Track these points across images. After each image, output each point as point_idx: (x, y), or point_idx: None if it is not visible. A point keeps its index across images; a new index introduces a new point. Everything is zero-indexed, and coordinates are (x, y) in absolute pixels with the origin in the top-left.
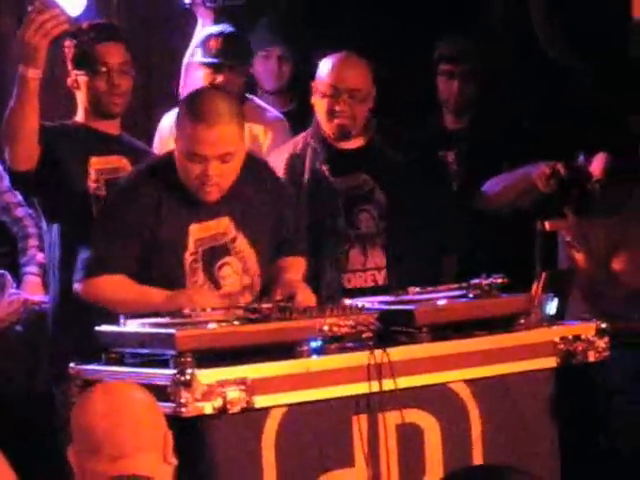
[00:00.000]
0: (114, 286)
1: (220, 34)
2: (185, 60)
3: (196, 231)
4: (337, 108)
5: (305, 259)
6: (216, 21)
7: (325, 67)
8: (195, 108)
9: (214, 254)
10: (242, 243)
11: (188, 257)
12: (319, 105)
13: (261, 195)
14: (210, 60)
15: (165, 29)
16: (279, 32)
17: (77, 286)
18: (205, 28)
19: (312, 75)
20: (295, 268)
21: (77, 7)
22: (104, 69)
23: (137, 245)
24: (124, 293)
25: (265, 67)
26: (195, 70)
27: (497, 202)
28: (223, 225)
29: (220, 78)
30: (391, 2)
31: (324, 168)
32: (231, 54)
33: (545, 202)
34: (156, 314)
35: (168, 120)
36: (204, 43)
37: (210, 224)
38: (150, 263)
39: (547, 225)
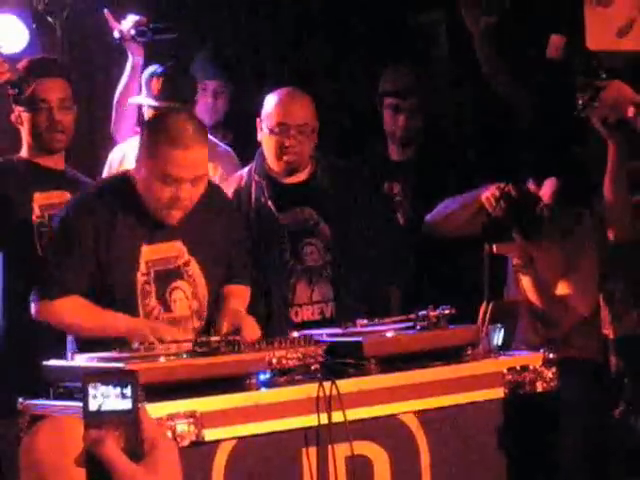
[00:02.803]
0: (71, 309)
1: (162, 74)
2: (116, 96)
3: (147, 252)
4: (287, 144)
5: (249, 289)
6: (147, 56)
7: (271, 103)
8: (169, 131)
9: (166, 277)
10: (194, 267)
11: (140, 277)
12: (267, 142)
13: (215, 219)
14: (153, 103)
15: (108, 64)
16: (216, 66)
17: (33, 307)
18: (149, 67)
19: (249, 111)
20: (239, 297)
21: (19, 43)
22: (45, 105)
23: (92, 265)
24: (83, 317)
25: (201, 101)
26: (127, 106)
27: (447, 226)
28: (176, 248)
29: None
30: (337, 30)
31: (269, 203)
32: (173, 95)
33: (493, 225)
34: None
35: (120, 151)
36: (147, 83)
37: (162, 247)
38: (103, 283)
39: (495, 248)
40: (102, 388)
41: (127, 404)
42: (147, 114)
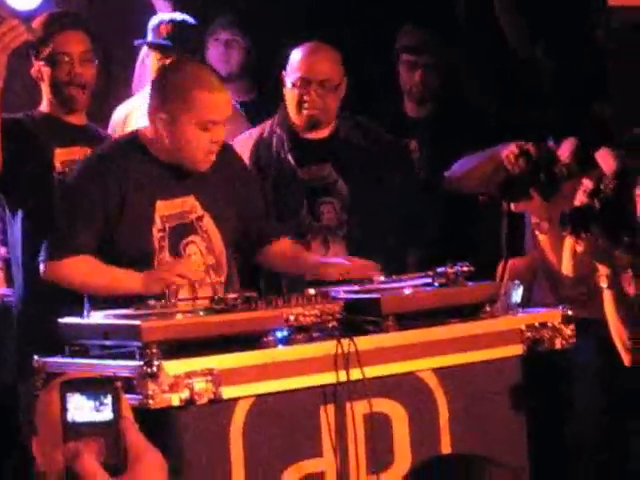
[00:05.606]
0: (80, 269)
1: (171, 20)
2: (141, 53)
3: (162, 208)
4: (306, 98)
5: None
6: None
7: (295, 58)
8: (199, 78)
9: (180, 232)
10: (208, 222)
11: (156, 233)
12: (289, 96)
13: (227, 177)
14: (159, 41)
15: (125, 22)
16: (229, 16)
17: (41, 267)
18: (156, 16)
19: (273, 65)
20: (295, 248)
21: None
22: (66, 59)
23: (101, 223)
24: (94, 277)
25: (214, 52)
26: (148, 60)
27: (467, 183)
28: (189, 204)
29: (169, 62)
30: None
31: (289, 158)
32: (180, 40)
33: (511, 183)
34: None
35: (122, 111)
36: (155, 28)
37: (176, 202)
38: (117, 239)
39: (513, 206)
40: (81, 398)
41: (107, 415)
42: (154, 59)
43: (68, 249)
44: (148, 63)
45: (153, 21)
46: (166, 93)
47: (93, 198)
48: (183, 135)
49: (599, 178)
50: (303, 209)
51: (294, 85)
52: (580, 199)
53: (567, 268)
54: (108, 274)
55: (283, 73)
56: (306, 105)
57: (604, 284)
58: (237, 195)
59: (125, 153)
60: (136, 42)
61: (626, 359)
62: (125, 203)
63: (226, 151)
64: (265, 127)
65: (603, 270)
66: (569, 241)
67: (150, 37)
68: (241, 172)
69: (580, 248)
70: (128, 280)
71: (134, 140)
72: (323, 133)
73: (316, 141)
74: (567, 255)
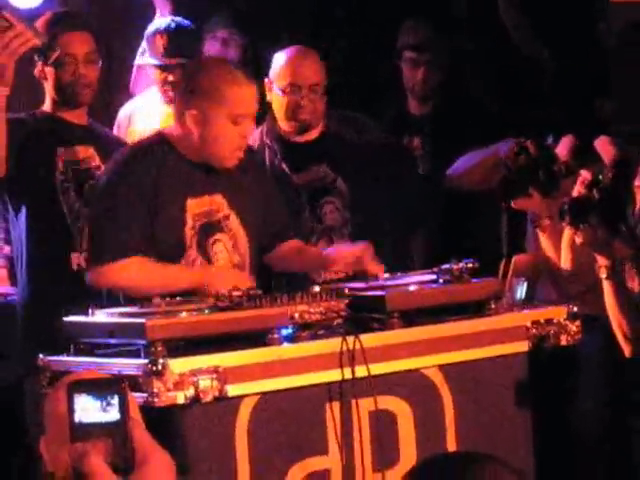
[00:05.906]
0: (131, 271)
1: (165, 31)
2: (138, 54)
3: (193, 206)
4: (302, 103)
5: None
6: (174, 11)
7: (281, 63)
8: (228, 73)
9: (207, 230)
10: (234, 221)
11: (188, 232)
12: (278, 102)
13: (251, 177)
14: (157, 62)
15: (125, 19)
16: (226, 15)
17: (88, 276)
18: (151, 23)
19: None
20: (300, 246)
21: None
22: (70, 60)
23: (142, 223)
24: (147, 279)
25: (211, 49)
26: (146, 67)
27: (468, 180)
28: (217, 202)
29: (171, 77)
30: None
31: (284, 166)
32: (177, 52)
33: (511, 181)
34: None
35: (127, 110)
36: (150, 41)
37: (204, 199)
38: (152, 239)
39: (513, 204)
40: (88, 399)
41: (115, 415)
42: (155, 75)
43: (116, 252)
44: (149, 73)
45: (150, 29)
46: (195, 90)
47: (130, 199)
48: (214, 130)
49: (598, 171)
50: (305, 213)
51: (284, 91)
52: (578, 190)
53: (566, 261)
54: (157, 274)
55: (266, 80)
56: (299, 110)
57: (603, 275)
58: (260, 195)
59: (153, 153)
60: (134, 63)
61: (626, 350)
62: (158, 203)
63: (248, 151)
64: (255, 139)
65: (602, 261)
66: (568, 233)
67: (147, 48)
68: (262, 173)
69: (579, 239)
70: (176, 281)
71: (160, 140)
72: (313, 134)
73: (307, 143)
74: (565, 247)
